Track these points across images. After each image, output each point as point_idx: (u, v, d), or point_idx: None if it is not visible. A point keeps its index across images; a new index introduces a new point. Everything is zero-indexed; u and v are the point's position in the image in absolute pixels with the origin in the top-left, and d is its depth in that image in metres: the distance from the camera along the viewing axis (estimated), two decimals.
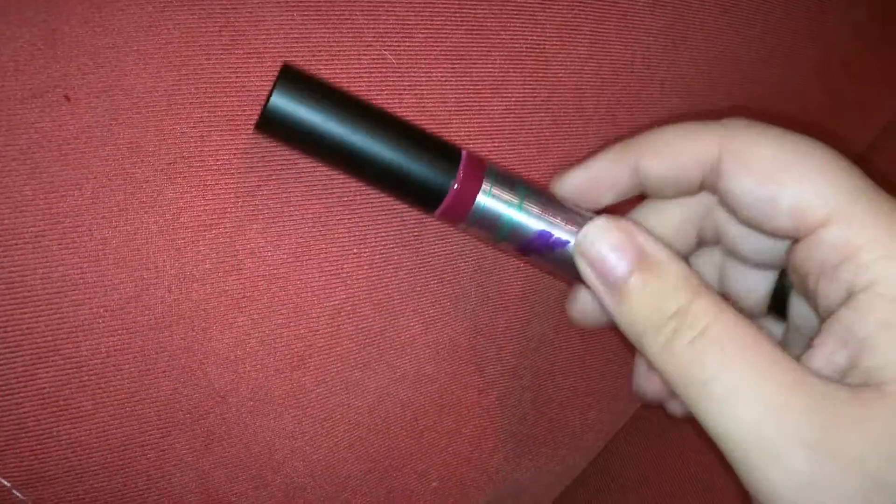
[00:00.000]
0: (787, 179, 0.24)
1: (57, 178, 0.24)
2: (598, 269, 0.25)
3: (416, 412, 0.32)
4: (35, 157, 0.24)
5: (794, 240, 0.25)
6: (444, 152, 0.26)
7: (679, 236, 0.29)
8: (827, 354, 0.23)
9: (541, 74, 0.32)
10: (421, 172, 0.25)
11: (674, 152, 0.26)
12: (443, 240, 0.30)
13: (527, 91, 0.32)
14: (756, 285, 0.30)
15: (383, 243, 0.29)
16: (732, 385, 0.22)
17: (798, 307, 0.28)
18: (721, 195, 0.26)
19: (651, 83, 0.36)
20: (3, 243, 0.23)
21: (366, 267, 0.29)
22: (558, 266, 0.27)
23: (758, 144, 0.25)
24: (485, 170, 0.26)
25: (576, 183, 0.27)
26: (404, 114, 0.28)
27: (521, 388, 0.35)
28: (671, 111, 0.38)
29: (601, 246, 0.25)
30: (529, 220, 0.26)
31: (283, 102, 0.23)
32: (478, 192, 0.26)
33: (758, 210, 0.24)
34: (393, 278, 0.30)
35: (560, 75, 0.33)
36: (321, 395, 0.29)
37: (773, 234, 0.25)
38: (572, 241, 0.26)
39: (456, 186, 0.25)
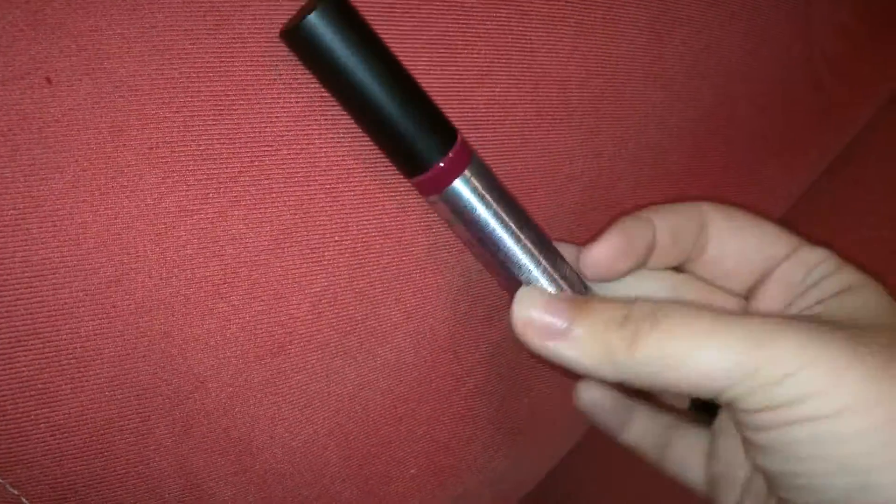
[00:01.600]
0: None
1: (37, 160, 0.24)
2: (539, 332, 0.27)
3: (396, 400, 0.32)
4: (15, 139, 0.23)
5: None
6: (443, 129, 0.27)
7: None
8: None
9: (525, 65, 0.32)
10: (417, 140, 0.26)
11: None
12: (425, 229, 0.31)
13: (511, 82, 0.32)
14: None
15: (365, 231, 0.29)
16: (698, 328, 0.24)
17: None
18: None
19: (635, 76, 0.37)
20: None
21: (347, 255, 0.29)
22: (498, 268, 0.29)
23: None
24: (471, 158, 0.27)
25: (602, 255, 0.30)
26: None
27: (499, 377, 0.35)
28: (655, 104, 0.38)
29: (534, 312, 0.27)
30: (489, 219, 0.28)
31: (319, 23, 0.24)
32: (457, 177, 0.27)
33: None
34: (374, 266, 0.30)
35: (545, 66, 0.33)
36: (301, 382, 0.29)
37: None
38: (516, 251, 0.28)
39: (441, 165, 0.26)
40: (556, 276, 0.29)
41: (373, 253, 0.29)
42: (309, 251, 0.28)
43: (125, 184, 0.25)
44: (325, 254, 0.28)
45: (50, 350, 0.24)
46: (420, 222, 0.30)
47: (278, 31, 0.27)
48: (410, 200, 0.30)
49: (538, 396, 0.38)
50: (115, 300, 0.25)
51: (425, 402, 0.33)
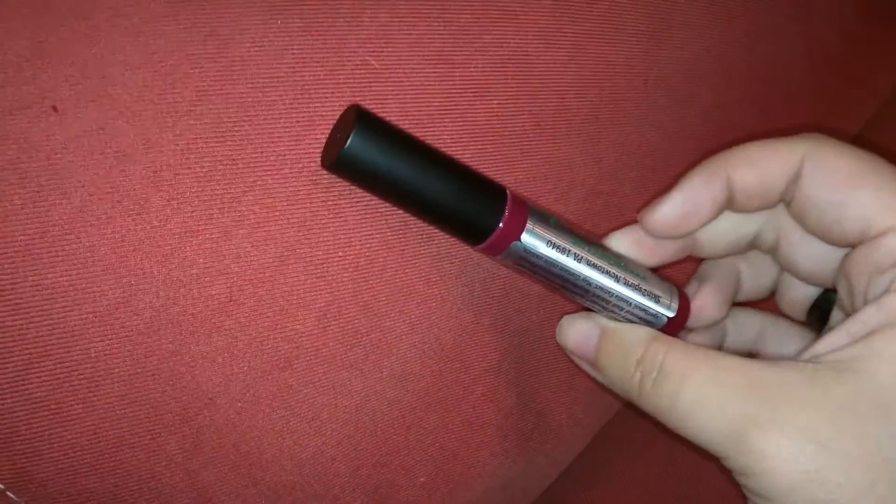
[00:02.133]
0: (861, 188, 0.27)
1: (45, 187, 0.24)
2: (575, 355, 0.30)
3: (403, 410, 0.32)
4: (23, 167, 0.24)
5: (852, 247, 0.27)
6: (492, 194, 0.28)
7: (733, 247, 0.32)
8: (832, 339, 0.26)
9: (523, 77, 0.33)
10: (472, 214, 0.27)
11: (764, 163, 0.29)
12: (428, 241, 0.31)
13: (509, 93, 0.32)
14: (801, 296, 0.33)
15: (368, 245, 0.30)
16: (692, 396, 0.25)
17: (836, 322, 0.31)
18: (797, 202, 0.28)
19: (634, 82, 0.37)
20: None
21: (351, 269, 0.29)
22: (576, 296, 0.30)
23: (838, 156, 0.27)
24: (527, 210, 0.28)
25: (670, 213, 0.30)
26: (388, 117, 0.29)
27: (506, 384, 0.36)
28: (655, 108, 0.38)
29: (568, 341, 0.30)
30: (563, 259, 0.29)
31: (357, 146, 0.25)
32: (521, 232, 0.28)
33: (829, 214, 0.27)
34: (378, 280, 0.30)
35: (542, 77, 0.33)
36: (308, 395, 0.29)
37: (837, 240, 0.28)
38: (592, 276, 0.29)
39: (501, 226, 0.27)
40: (633, 298, 0.30)
41: (376, 266, 0.30)
42: (313, 267, 0.29)
43: (131, 207, 0.25)
44: (329, 269, 0.29)
45: (62, 371, 0.25)
46: (422, 234, 0.31)
47: (276, 53, 0.27)
48: None
49: (545, 403, 0.38)
50: (124, 321, 0.26)
51: (433, 411, 0.33)
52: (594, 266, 0.29)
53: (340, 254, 0.29)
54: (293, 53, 0.28)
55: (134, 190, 0.25)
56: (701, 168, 0.30)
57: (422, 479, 0.34)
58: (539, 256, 0.28)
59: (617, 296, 0.30)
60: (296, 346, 0.29)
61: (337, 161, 0.25)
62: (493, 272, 0.33)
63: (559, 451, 0.41)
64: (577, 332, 0.30)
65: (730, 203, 0.30)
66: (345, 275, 0.29)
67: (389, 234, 0.30)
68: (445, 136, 0.31)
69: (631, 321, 0.30)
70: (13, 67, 0.24)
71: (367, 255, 0.30)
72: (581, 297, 0.30)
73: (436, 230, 0.31)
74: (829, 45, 0.47)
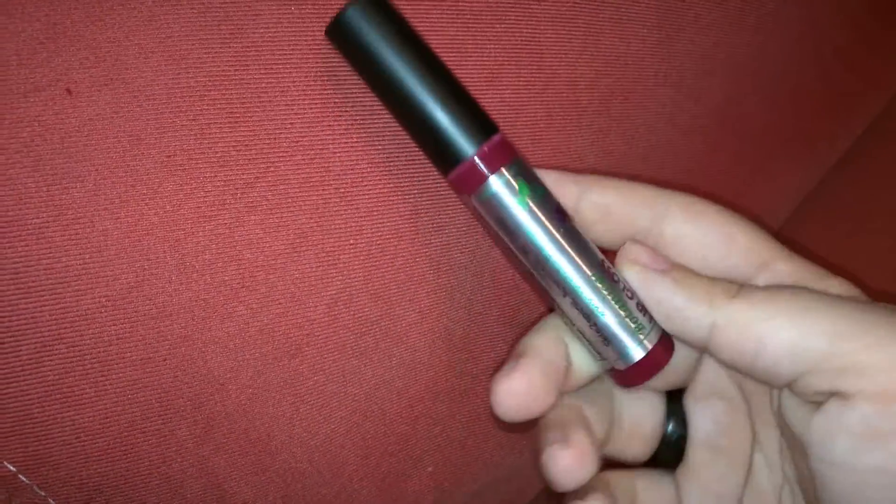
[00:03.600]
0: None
1: (59, 170, 0.24)
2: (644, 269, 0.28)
3: (412, 399, 0.32)
4: (38, 149, 0.24)
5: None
6: (481, 124, 0.26)
7: None
8: None
9: (535, 67, 0.32)
10: (452, 132, 0.26)
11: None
12: (438, 231, 0.31)
13: (521, 83, 0.32)
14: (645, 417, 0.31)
15: (379, 234, 0.30)
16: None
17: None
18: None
19: (645, 75, 0.37)
20: (8, 235, 0.24)
21: (362, 257, 0.29)
22: (537, 281, 0.27)
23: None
24: (512, 157, 0.26)
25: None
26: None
27: None
28: (664, 102, 0.38)
29: (643, 256, 0.28)
30: (527, 222, 0.26)
31: (356, 17, 0.24)
32: (493, 172, 0.26)
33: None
34: (389, 268, 0.30)
35: (554, 67, 0.33)
36: (318, 382, 0.29)
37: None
38: (551, 254, 0.27)
39: (474, 158, 0.26)
40: (606, 293, 0.27)
41: (387, 255, 0.30)
42: (324, 254, 0.29)
43: (144, 192, 0.25)
44: (341, 257, 0.29)
45: (74, 355, 0.25)
46: (433, 224, 0.31)
47: (290, 38, 0.27)
48: (424, 202, 0.30)
49: None
50: (137, 305, 0.26)
51: (441, 400, 0.33)
52: (565, 251, 0.26)
53: (352, 242, 0.29)
54: (307, 40, 0.27)
55: (147, 174, 0.25)
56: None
57: (429, 469, 0.34)
58: (504, 208, 0.26)
59: (584, 302, 0.27)
60: (306, 334, 0.29)
61: (333, 24, 0.25)
62: (502, 262, 0.33)
63: None
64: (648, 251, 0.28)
65: None
66: (356, 263, 0.29)
67: (401, 222, 0.30)
68: None
69: (584, 336, 0.28)
70: (28, 49, 0.24)
71: (379, 244, 0.30)
72: (542, 281, 0.27)
73: (445, 221, 0.31)
74: (838, 38, 0.47)
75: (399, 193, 0.30)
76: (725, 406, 0.30)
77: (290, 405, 0.29)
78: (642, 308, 0.27)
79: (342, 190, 0.28)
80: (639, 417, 0.31)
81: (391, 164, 0.29)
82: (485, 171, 0.26)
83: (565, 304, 0.27)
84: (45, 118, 0.24)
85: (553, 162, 0.34)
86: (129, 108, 0.25)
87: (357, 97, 0.28)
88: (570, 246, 0.27)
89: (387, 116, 0.28)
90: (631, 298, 0.27)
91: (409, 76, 0.25)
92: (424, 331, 0.32)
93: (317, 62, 0.28)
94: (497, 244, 0.28)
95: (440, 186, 0.31)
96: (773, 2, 0.42)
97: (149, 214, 0.26)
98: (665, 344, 0.28)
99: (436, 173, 0.30)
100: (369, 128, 0.29)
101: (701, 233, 0.29)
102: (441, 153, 0.26)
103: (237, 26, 0.26)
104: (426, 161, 0.30)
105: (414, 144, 0.28)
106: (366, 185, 0.29)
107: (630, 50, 0.36)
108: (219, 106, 0.26)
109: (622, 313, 0.27)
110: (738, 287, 0.27)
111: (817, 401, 0.25)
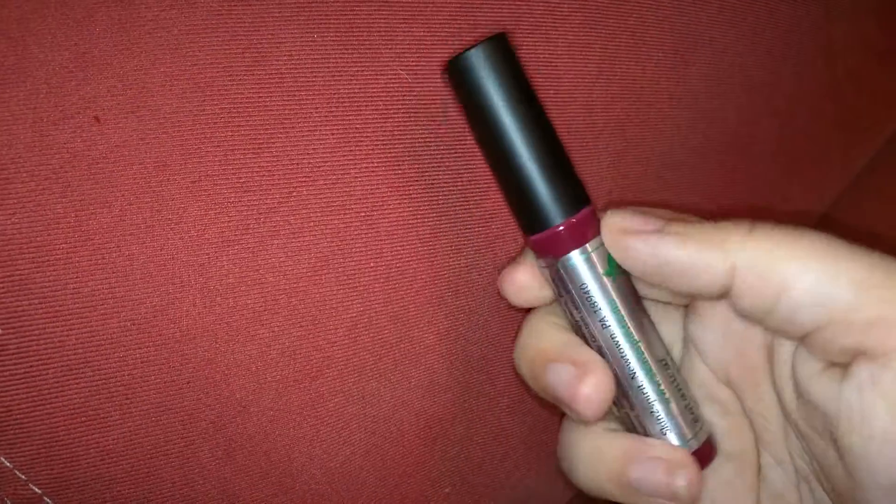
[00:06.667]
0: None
1: (87, 196, 0.25)
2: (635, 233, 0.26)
3: (430, 420, 0.32)
4: (66, 176, 0.24)
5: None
6: (575, 195, 0.26)
7: None
8: None
9: (552, 91, 0.33)
10: (544, 196, 0.26)
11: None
12: (456, 254, 0.31)
13: None
14: None
15: (399, 257, 0.30)
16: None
17: None
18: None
19: (660, 98, 0.37)
20: (37, 260, 0.24)
21: (382, 280, 0.30)
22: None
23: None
24: (597, 234, 0.26)
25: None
26: (419, 130, 0.29)
27: (531, 396, 0.36)
28: (679, 125, 0.38)
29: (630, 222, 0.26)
30: (600, 301, 0.26)
31: (478, 59, 0.25)
32: (577, 247, 0.26)
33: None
34: (408, 291, 0.30)
35: (571, 91, 0.34)
36: (338, 404, 0.30)
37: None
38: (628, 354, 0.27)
39: (561, 229, 0.26)
40: (662, 387, 0.27)
41: (406, 278, 0.30)
42: (345, 277, 0.29)
43: (170, 217, 0.26)
44: (361, 280, 0.29)
45: (99, 378, 0.25)
46: (451, 247, 0.31)
47: (312, 66, 0.27)
48: (442, 225, 0.31)
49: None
50: (161, 329, 0.26)
51: (459, 422, 0.33)
52: (629, 335, 0.27)
53: (372, 264, 0.29)
54: (328, 67, 0.28)
55: (173, 200, 0.26)
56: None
57: (447, 490, 0.34)
58: (576, 284, 0.26)
59: (639, 387, 0.27)
60: (327, 356, 0.29)
61: (455, 60, 0.25)
62: None
63: None
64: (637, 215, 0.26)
65: None
66: (376, 285, 0.30)
67: (420, 245, 0.30)
68: (474, 149, 0.31)
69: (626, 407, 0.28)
70: (57, 78, 0.24)
71: (398, 266, 0.30)
72: (592, 344, 0.27)
73: (463, 244, 0.31)
74: (852, 59, 0.47)
75: (418, 217, 0.30)
76: (718, 409, 0.29)
77: (310, 427, 0.29)
78: (691, 408, 0.28)
79: (363, 214, 0.29)
80: None
81: (410, 188, 0.30)
82: (571, 240, 0.26)
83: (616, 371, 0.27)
84: (73, 145, 0.25)
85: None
86: (155, 135, 0.26)
87: (377, 123, 0.29)
88: (639, 334, 0.27)
89: (406, 142, 0.29)
90: (683, 398, 0.27)
91: (520, 131, 0.25)
92: (443, 352, 0.32)
93: (338, 90, 0.28)
94: (560, 302, 0.28)
95: (458, 210, 0.31)
96: (786, 23, 0.43)
97: (174, 239, 0.26)
98: (707, 450, 0.28)
99: (455, 198, 0.30)
100: (389, 153, 0.29)
101: None
102: (531, 215, 0.26)
103: (260, 54, 0.27)
104: (444, 186, 0.30)
105: (437, 171, 0.28)
106: (386, 210, 0.29)
107: (646, 74, 0.36)
108: (242, 132, 0.27)
109: (675, 409, 0.27)
110: (750, 222, 0.24)
111: (841, 362, 0.23)
